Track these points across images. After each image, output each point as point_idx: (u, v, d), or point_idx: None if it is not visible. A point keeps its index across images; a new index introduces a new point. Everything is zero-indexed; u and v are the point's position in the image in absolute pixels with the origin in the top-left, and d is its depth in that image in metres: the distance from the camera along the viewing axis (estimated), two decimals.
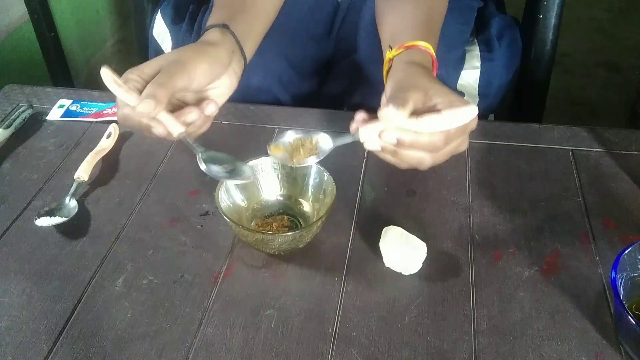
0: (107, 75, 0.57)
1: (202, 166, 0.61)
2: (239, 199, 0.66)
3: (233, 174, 0.62)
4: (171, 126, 0.59)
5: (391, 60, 0.67)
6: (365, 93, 0.87)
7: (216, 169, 0.61)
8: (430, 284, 0.60)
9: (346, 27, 0.92)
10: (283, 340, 0.55)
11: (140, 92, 0.57)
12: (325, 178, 0.64)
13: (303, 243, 0.62)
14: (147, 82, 0.58)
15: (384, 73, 0.68)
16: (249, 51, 0.70)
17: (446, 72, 0.87)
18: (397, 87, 0.60)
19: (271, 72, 0.89)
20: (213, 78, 0.63)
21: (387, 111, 0.53)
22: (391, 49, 0.67)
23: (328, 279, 0.61)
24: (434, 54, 0.67)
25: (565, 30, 1.02)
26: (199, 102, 0.63)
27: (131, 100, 0.57)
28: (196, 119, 0.61)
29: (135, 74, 0.59)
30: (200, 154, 0.61)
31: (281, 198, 0.68)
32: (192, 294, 0.60)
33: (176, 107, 0.62)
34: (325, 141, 0.61)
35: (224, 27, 0.67)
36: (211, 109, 0.62)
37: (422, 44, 0.66)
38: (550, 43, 0.99)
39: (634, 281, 0.55)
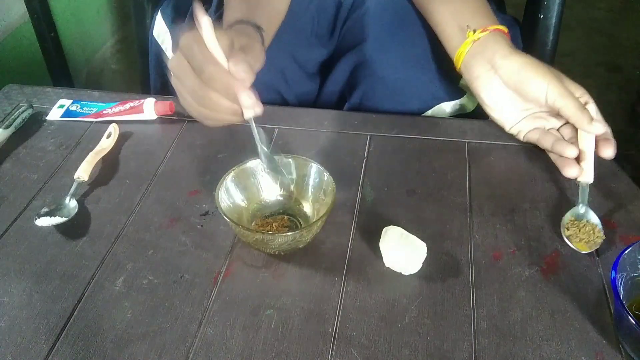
0: (208, 25, 0.53)
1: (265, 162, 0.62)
2: (239, 199, 0.66)
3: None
4: (249, 104, 0.56)
5: (474, 42, 0.72)
6: (366, 92, 0.87)
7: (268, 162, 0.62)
8: (430, 284, 0.60)
9: (349, 26, 0.92)
10: (283, 340, 0.55)
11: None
12: (325, 178, 0.64)
13: (303, 243, 0.62)
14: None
15: (459, 57, 0.74)
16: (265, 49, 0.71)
17: (447, 71, 0.86)
18: (543, 73, 0.68)
19: (275, 68, 0.90)
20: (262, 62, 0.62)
21: (596, 127, 0.67)
22: (471, 30, 0.73)
23: (328, 279, 0.61)
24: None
25: (565, 30, 1.02)
26: None
27: (225, 60, 0.54)
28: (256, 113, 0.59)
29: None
30: (260, 146, 0.61)
31: (281, 198, 0.68)
32: (192, 294, 0.60)
33: None
34: None
35: (258, 28, 0.68)
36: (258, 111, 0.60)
37: (502, 27, 0.73)
38: (551, 43, 0.99)
39: (634, 281, 0.55)
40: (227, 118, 0.59)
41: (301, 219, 0.66)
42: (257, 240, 0.60)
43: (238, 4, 0.74)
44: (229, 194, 0.64)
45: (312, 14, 0.91)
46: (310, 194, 0.66)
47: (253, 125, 0.60)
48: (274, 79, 0.90)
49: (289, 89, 0.91)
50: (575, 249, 0.62)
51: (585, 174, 0.68)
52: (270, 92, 0.90)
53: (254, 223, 0.66)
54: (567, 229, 0.64)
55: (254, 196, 0.67)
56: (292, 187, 0.66)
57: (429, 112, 0.87)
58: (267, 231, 0.64)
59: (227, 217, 0.60)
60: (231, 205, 0.64)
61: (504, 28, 0.73)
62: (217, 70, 0.55)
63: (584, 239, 0.62)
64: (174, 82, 0.60)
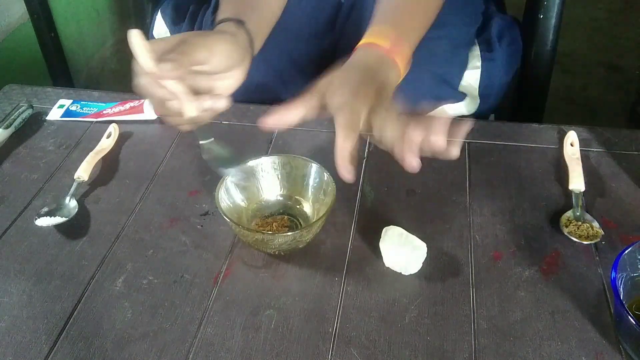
0: (137, 38, 0.55)
1: (205, 156, 0.61)
2: (239, 199, 0.66)
3: (232, 168, 0.63)
4: (187, 104, 0.57)
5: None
6: None
7: (217, 163, 0.62)
8: (430, 284, 0.60)
9: (348, 25, 0.92)
10: (283, 340, 0.55)
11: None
12: (325, 178, 0.64)
13: (303, 243, 0.62)
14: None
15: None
16: (256, 49, 0.70)
17: (450, 73, 0.87)
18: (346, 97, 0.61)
19: (273, 69, 0.89)
20: (231, 63, 0.62)
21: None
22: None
23: (328, 279, 0.61)
24: (395, 47, 0.68)
25: (565, 30, 1.02)
26: (210, 92, 0.62)
27: (151, 65, 0.55)
28: (210, 107, 0.60)
29: (159, 43, 0.58)
30: (204, 143, 0.61)
31: (281, 198, 0.68)
32: (192, 294, 0.60)
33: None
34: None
35: (239, 22, 0.67)
36: (222, 104, 0.61)
37: (379, 41, 0.68)
38: (551, 43, 0.99)
39: (634, 281, 0.55)
40: (183, 121, 0.60)
41: (301, 219, 0.66)
42: (257, 240, 0.60)
43: (227, 5, 0.73)
44: (229, 194, 0.64)
45: (309, 14, 0.91)
46: (310, 194, 0.66)
47: (195, 129, 0.61)
48: (270, 80, 0.90)
49: (286, 89, 0.91)
50: (576, 240, 0.63)
51: (576, 183, 0.69)
52: (267, 93, 0.90)
53: (254, 223, 0.66)
54: (566, 227, 0.64)
55: (253, 196, 0.67)
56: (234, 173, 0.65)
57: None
58: (267, 231, 0.64)
59: (227, 217, 0.60)
60: (231, 205, 0.64)
61: (377, 41, 0.68)
62: (145, 79, 0.57)
63: (582, 235, 0.63)
64: (144, 94, 0.61)
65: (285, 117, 0.62)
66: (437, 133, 0.55)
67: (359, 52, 0.69)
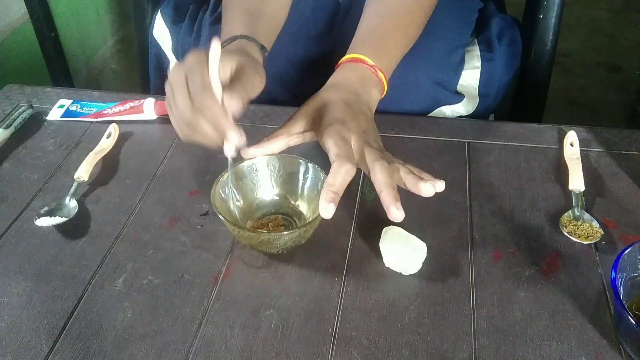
0: (216, 52, 0.55)
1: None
2: (235, 200, 0.65)
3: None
4: (228, 146, 0.59)
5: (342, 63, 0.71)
6: None
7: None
8: (430, 284, 0.60)
9: (347, 26, 0.91)
10: (283, 340, 0.55)
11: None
12: (321, 177, 0.64)
13: (305, 239, 0.62)
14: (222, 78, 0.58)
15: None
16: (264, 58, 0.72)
17: (446, 75, 0.87)
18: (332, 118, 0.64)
19: (272, 71, 0.89)
20: (257, 88, 0.64)
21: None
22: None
23: (328, 279, 0.61)
24: (376, 64, 0.70)
25: (565, 30, 1.03)
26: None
27: (219, 90, 0.56)
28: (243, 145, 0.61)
29: (219, 68, 0.57)
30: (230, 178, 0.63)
31: (276, 198, 0.68)
32: (192, 294, 0.60)
33: None
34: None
35: (263, 48, 0.69)
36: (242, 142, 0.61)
37: (363, 57, 0.70)
38: (550, 43, 0.99)
39: (634, 281, 0.55)
40: (208, 144, 0.61)
41: (296, 217, 0.66)
42: (263, 241, 0.60)
43: (239, 15, 0.73)
44: (225, 195, 0.64)
45: (307, 15, 0.91)
46: (306, 193, 0.66)
47: (230, 162, 0.61)
48: (269, 81, 0.90)
49: (284, 90, 0.91)
50: (576, 240, 0.63)
51: (576, 183, 0.69)
52: (266, 94, 0.89)
53: (248, 224, 0.66)
54: (566, 227, 0.64)
55: (248, 196, 0.67)
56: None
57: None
58: (270, 231, 0.64)
59: (224, 217, 0.60)
60: (226, 208, 0.64)
61: (361, 57, 0.70)
62: (210, 101, 0.56)
63: (582, 235, 0.63)
64: (167, 91, 0.61)
65: (267, 148, 0.65)
66: (424, 181, 0.58)
67: (343, 70, 0.70)
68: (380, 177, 0.57)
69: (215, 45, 0.55)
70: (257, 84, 0.62)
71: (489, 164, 0.75)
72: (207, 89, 0.56)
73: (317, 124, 0.64)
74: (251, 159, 0.66)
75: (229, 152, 0.59)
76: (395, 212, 0.56)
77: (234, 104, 0.57)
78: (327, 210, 0.55)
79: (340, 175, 0.57)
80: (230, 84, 0.60)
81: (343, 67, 0.71)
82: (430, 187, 0.57)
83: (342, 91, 0.67)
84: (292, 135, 0.65)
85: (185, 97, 0.58)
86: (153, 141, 0.80)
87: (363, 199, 0.70)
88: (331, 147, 0.60)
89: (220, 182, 0.63)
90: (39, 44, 1.44)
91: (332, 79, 0.70)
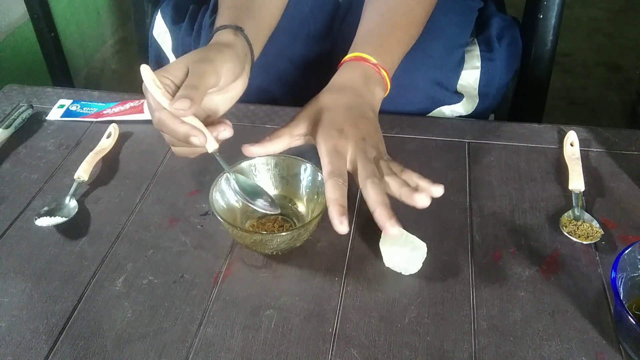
0: (147, 74, 0.56)
1: (232, 184, 0.62)
2: (234, 200, 0.65)
3: (258, 202, 0.62)
4: (209, 140, 0.59)
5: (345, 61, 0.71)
6: None
7: (243, 196, 0.62)
8: (430, 284, 0.60)
9: (347, 26, 0.92)
10: (283, 340, 0.55)
11: (173, 95, 0.57)
12: (320, 178, 0.64)
13: (300, 242, 0.62)
14: (179, 85, 0.58)
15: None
16: (256, 54, 0.71)
17: (446, 75, 0.87)
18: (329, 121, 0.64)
19: (272, 72, 0.89)
20: (235, 78, 0.63)
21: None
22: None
23: (328, 279, 0.61)
24: (379, 63, 0.70)
25: (565, 30, 1.02)
26: (216, 112, 0.64)
27: (166, 102, 0.56)
28: (229, 137, 0.61)
29: (166, 77, 0.58)
30: (230, 175, 0.62)
31: (276, 198, 0.68)
32: (192, 294, 0.60)
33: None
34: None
35: (237, 29, 0.67)
36: (226, 135, 0.62)
37: (366, 55, 0.70)
38: (550, 43, 0.99)
39: (634, 281, 0.55)
40: (194, 152, 0.62)
41: (295, 218, 0.66)
42: (256, 242, 0.60)
43: (227, 10, 0.73)
44: (224, 196, 0.64)
45: (307, 15, 0.91)
46: (304, 193, 0.66)
47: (218, 158, 0.61)
48: (269, 81, 0.90)
49: (284, 90, 0.91)
50: (576, 240, 0.63)
51: (576, 183, 0.69)
52: (266, 94, 0.90)
53: (248, 224, 0.66)
54: (566, 227, 0.64)
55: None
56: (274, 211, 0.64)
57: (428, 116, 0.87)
58: (264, 231, 0.64)
59: (222, 219, 0.60)
60: (225, 207, 0.64)
61: (364, 55, 0.70)
62: (161, 116, 0.58)
63: (582, 235, 0.63)
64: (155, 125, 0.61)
65: (269, 148, 0.64)
66: (418, 192, 0.57)
67: (346, 69, 0.70)
68: (372, 195, 0.57)
69: (144, 69, 0.56)
70: (212, 72, 0.60)
71: (489, 164, 0.75)
72: (156, 106, 0.58)
73: (315, 129, 0.64)
74: (251, 159, 0.66)
75: (210, 147, 0.59)
76: (392, 230, 0.55)
77: (180, 106, 0.55)
78: (343, 225, 0.55)
79: (338, 191, 0.57)
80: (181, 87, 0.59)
81: (346, 65, 0.71)
82: (424, 198, 0.57)
83: (344, 94, 0.67)
84: (294, 137, 0.65)
85: (161, 120, 0.59)
86: (153, 141, 0.80)
87: (363, 199, 0.70)
88: (324, 161, 0.60)
89: (219, 181, 0.63)
90: (39, 44, 1.44)
91: (335, 79, 0.70)
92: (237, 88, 0.65)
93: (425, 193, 0.57)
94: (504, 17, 0.99)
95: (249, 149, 0.64)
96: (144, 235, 0.66)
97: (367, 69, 0.69)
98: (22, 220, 0.69)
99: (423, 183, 0.59)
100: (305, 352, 0.54)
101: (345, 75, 0.70)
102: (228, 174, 0.62)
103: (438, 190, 0.58)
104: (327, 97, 0.67)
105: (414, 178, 0.60)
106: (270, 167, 0.67)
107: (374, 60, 0.69)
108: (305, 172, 0.66)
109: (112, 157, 0.78)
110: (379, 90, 0.69)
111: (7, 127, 0.81)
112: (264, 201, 0.62)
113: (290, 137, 0.65)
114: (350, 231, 0.66)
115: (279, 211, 0.63)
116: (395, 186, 0.59)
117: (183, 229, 0.67)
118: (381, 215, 0.56)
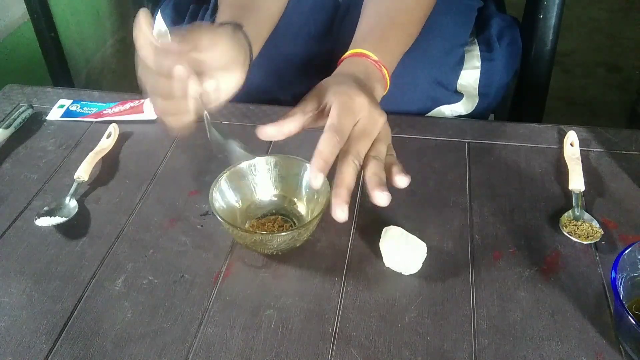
0: (144, 16, 0.54)
1: (207, 121, 0.60)
2: (233, 200, 0.65)
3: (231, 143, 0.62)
4: (190, 83, 0.56)
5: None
6: None
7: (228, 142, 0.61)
8: (430, 284, 0.60)
9: (347, 25, 0.92)
10: (283, 340, 0.55)
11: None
12: None
13: (300, 242, 0.62)
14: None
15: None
16: (255, 52, 0.70)
17: (445, 74, 0.87)
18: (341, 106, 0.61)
19: (272, 71, 0.89)
20: (231, 60, 0.61)
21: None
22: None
23: (328, 279, 0.61)
24: (379, 60, 0.69)
25: (565, 30, 1.03)
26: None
27: (153, 39, 0.54)
28: (213, 89, 0.59)
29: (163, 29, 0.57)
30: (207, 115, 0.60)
31: (275, 198, 0.68)
32: (192, 294, 0.60)
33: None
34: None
35: (237, 26, 0.66)
36: (212, 85, 0.60)
37: (365, 52, 0.69)
38: (550, 43, 0.99)
39: (634, 281, 0.55)
40: (179, 109, 0.59)
41: (295, 218, 0.66)
42: (256, 242, 0.60)
43: (227, 8, 0.73)
44: (223, 195, 0.64)
45: (307, 15, 0.91)
46: (304, 194, 0.66)
47: (207, 117, 0.60)
48: (269, 81, 0.90)
49: (284, 90, 0.91)
50: (576, 240, 0.63)
51: (576, 183, 0.69)
52: (266, 94, 0.90)
53: (248, 224, 0.66)
54: (566, 227, 0.64)
55: (247, 197, 0.67)
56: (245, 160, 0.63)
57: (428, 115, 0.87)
58: (264, 231, 0.64)
59: (222, 219, 0.60)
60: (225, 207, 0.64)
61: (364, 52, 0.69)
62: (151, 50, 0.55)
63: (582, 235, 0.63)
64: (139, 78, 0.59)
65: (284, 127, 0.62)
66: (379, 189, 0.56)
67: (347, 64, 0.69)
68: (340, 175, 0.56)
69: (142, 13, 0.55)
70: (207, 31, 0.59)
71: (489, 164, 0.75)
72: (142, 46, 0.55)
73: (325, 93, 0.62)
74: (251, 159, 0.66)
75: (191, 89, 0.56)
76: (339, 213, 0.54)
77: (175, 43, 0.54)
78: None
79: (328, 146, 0.55)
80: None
81: (347, 61, 0.70)
82: (384, 197, 0.56)
83: (349, 78, 0.66)
84: (307, 114, 0.62)
85: (143, 67, 0.57)
86: (153, 141, 0.80)
87: (363, 199, 0.70)
88: (333, 113, 0.58)
89: (219, 181, 0.63)
90: (38, 44, 1.44)
91: (337, 71, 0.69)
92: (234, 79, 0.63)
93: (386, 193, 0.56)
94: (504, 17, 0.99)
95: (265, 131, 0.61)
96: (144, 235, 0.66)
97: (368, 65, 0.69)
98: (22, 220, 0.69)
99: (396, 169, 0.59)
100: (305, 352, 0.54)
101: (347, 68, 0.69)
102: (205, 113, 0.60)
103: (403, 181, 0.58)
104: (333, 78, 0.66)
105: (398, 166, 0.59)
106: (270, 167, 0.67)
107: (375, 57, 0.69)
108: (305, 172, 0.66)
109: (112, 157, 0.78)
110: (379, 87, 0.69)
111: (7, 127, 0.81)
112: (237, 145, 0.61)
113: (304, 114, 0.62)
114: (350, 230, 0.66)
115: (253, 156, 0.63)
116: (367, 173, 0.58)
117: (183, 229, 0.67)
118: (336, 197, 0.55)
